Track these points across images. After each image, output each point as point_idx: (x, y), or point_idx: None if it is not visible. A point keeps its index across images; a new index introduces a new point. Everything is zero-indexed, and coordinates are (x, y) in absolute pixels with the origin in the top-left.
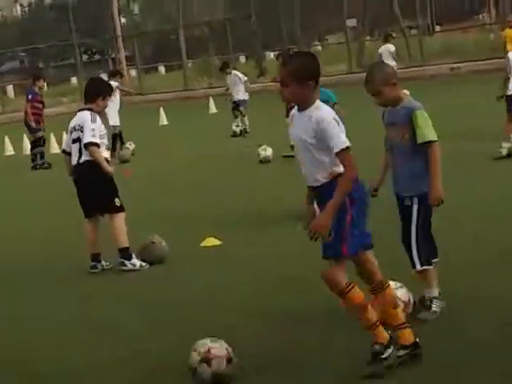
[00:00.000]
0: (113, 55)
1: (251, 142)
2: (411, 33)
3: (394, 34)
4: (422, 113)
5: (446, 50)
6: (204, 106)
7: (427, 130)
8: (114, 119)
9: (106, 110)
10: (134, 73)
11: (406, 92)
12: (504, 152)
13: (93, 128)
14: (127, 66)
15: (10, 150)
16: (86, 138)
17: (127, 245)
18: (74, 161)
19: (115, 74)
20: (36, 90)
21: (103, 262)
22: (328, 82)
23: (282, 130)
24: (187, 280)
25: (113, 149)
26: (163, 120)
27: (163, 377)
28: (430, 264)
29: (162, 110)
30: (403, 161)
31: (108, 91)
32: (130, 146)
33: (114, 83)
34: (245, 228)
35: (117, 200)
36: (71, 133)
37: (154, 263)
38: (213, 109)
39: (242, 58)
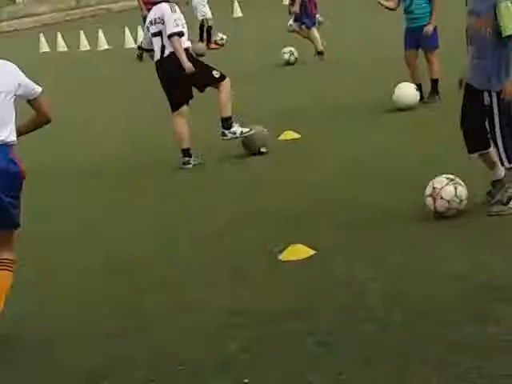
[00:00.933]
0: None
1: None
2: None
3: None
4: (507, 4)
5: None
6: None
7: None
8: (203, 11)
9: (194, 2)
10: None
11: None
12: None
13: (174, 18)
14: None
15: (85, 46)
16: (169, 29)
17: (229, 114)
18: (158, 55)
19: None
20: None
21: (194, 159)
22: None
23: None
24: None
25: (201, 39)
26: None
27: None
28: None
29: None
30: (485, 54)
31: None
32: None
33: None
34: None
35: (214, 72)
36: (148, 28)
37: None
38: (238, 12)
39: None
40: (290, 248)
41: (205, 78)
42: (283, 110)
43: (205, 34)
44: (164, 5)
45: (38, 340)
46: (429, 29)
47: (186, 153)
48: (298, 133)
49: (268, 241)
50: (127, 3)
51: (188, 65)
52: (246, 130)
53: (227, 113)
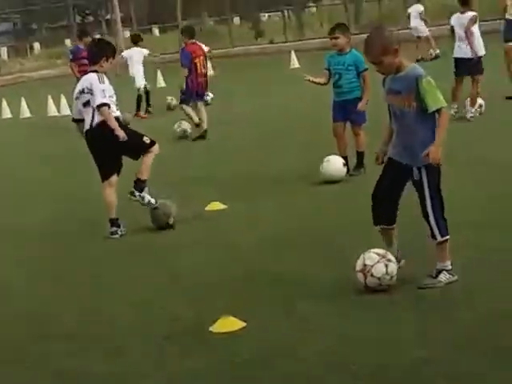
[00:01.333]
0: (106, 16)
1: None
2: None
3: None
4: (428, 79)
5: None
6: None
7: (436, 97)
8: (140, 80)
9: (134, 72)
10: (127, 34)
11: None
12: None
13: (103, 89)
14: (123, 27)
15: (7, 114)
16: (98, 100)
17: (146, 178)
18: (87, 124)
19: (137, 38)
20: (82, 46)
21: (122, 228)
22: (322, 44)
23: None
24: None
25: (138, 108)
26: (160, 82)
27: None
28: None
29: (158, 72)
30: (410, 130)
31: (111, 52)
32: (172, 100)
33: (144, 50)
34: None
35: (145, 138)
36: (78, 98)
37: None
38: (210, 71)
39: (237, 20)
40: (220, 320)
41: (136, 145)
42: (210, 179)
43: (143, 104)
44: (92, 75)
45: None
46: (362, 105)
47: (114, 223)
48: (225, 204)
49: (199, 311)
50: (48, 71)
51: (121, 133)
52: (153, 201)
53: (145, 175)
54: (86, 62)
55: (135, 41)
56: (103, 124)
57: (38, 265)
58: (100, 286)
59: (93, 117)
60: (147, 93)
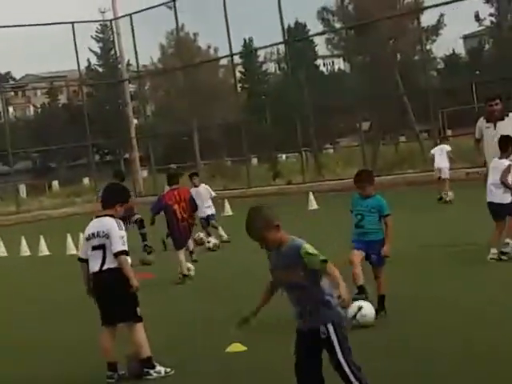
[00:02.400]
0: (125, 155)
1: None
2: (423, 137)
3: (404, 139)
4: (307, 247)
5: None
6: (219, 207)
7: (318, 259)
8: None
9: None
10: (145, 173)
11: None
12: None
13: (122, 235)
14: (141, 166)
15: (25, 251)
16: (118, 247)
17: (150, 354)
18: (96, 268)
19: (195, 174)
20: None
21: (120, 372)
22: (340, 185)
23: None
24: None
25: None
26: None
27: None
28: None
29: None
30: (307, 296)
31: (126, 197)
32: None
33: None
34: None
35: (138, 309)
36: (89, 239)
37: None
38: (228, 211)
39: (254, 161)
40: None
41: (131, 307)
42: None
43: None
44: (111, 220)
45: None
46: (387, 250)
47: (111, 367)
48: (245, 345)
49: None
50: (67, 209)
51: (135, 283)
52: (168, 369)
53: (145, 353)
54: None
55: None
56: (113, 270)
57: None
58: None
59: (103, 261)
60: None
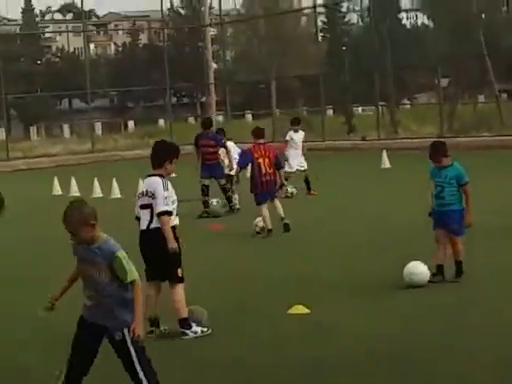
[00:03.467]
0: (202, 99)
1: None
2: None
3: (483, 99)
4: (123, 254)
5: None
6: None
7: (131, 270)
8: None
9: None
10: (220, 118)
11: None
12: None
13: (166, 196)
14: (217, 111)
15: (98, 193)
16: (160, 207)
17: (186, 315)
18: (144, 226)
19: (297, 121)
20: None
21: (161, 327)
22: (417, 144)
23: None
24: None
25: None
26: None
27: None
28: None
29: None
30: (107, 295)
31: (175, 154)
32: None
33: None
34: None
35: (179, 270)
36: (139, 198)
37: None
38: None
39: (330, 112)
40: None
41: (172, 267)
42: (294, 280)
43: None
44: (158, 180)
45: None
46: (470, 219)
47: (151, 322)
48: (308, 307)
49: None
50: (141, 152)
51: (173, 245)
52: (205, 329)
53: (182, 314)
54: (206, 150)
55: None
56: (159, 230)
57: None
58: None
59: (150, 220)
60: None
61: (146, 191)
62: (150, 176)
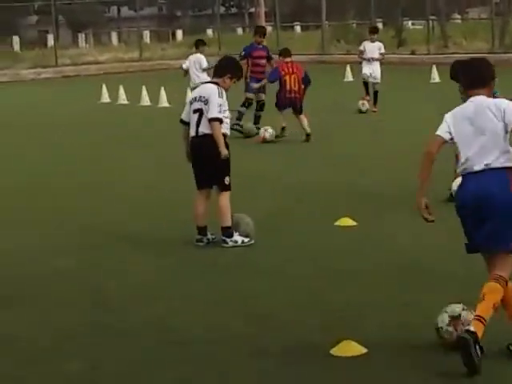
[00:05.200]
0: (250, 9)
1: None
2: None
3: None
4: None
5: None
6: (340, 73)
7: None
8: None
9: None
10: (269, 29)
11: None
12: None
13: (220, 103)
14: (266, 22)
15: (146, 101)
16: (213, 113)
17: (229, 224)
18: (193, 132)
19: (373, 31)
20: (257, 45)
21: (209, 236)
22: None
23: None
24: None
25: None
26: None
27: None
28: None
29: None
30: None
31: (237, 73)
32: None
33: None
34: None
35: (227, 178)
36: (192, 103)
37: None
38: (349, 77)
39: (380, 25)
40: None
41: (220, 174)
42: (342, 192)
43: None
44: (213, 86)
45: None
46: None
47: (199, 230)
48: (355, 220)
49: (318, 329)
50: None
51: (224, 151)
52: (246, 240)
53: (226, 222)
54: (258, 62)
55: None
56: (208, 136)
57: None
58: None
59: (198, 125)
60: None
61: (200, 96)
62: (205, 83)
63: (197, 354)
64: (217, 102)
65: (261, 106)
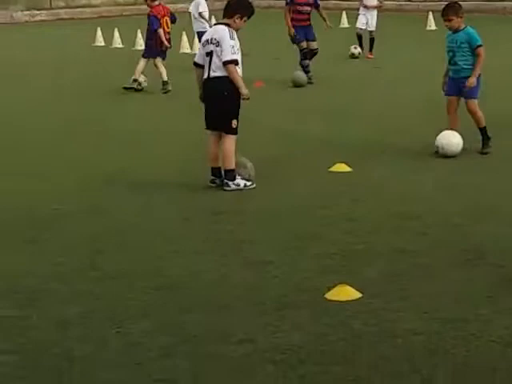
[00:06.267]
0: None
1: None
2: None
3: None
4: None
5: None
6: (335, 20)
7: None
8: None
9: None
10: None
11: None
12: None
13: (232, 45)
14: None
15: (140, 45)
16: (226, 56)
17: (233, 167)
18: (205, 75)
19: None
20: None
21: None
22: (464, 6)
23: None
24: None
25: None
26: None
27: None
28: None
29: None
30: None
31: (247, 12)
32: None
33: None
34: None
35: (234, 121)
36: (204, 45)
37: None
38: (345, 23)
39: None
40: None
41: (229, 115)
42: (335, 141)
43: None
44: (223, 28)
45: None
46: (471, 80)
47: (213, 171)
48: (350, 166)
49: (314, 274)
50: (186, 6)
51: (245, 90)
52: (248, 183)
53: (229, 165)
54: (303, 9)
55: None
56: (219, 79)
57: None
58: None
59: (209, 68)
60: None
61: (211, 38)
62: (216, 24)
63: (190, 298)
64: (229, 43)
65: (313, 55)
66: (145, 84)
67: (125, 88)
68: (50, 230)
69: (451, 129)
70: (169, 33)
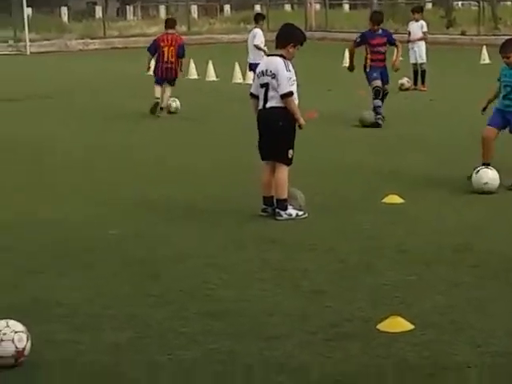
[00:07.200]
0: None
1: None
2: None
3: None
4: None
5: None
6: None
7: None
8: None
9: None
10: (317, 7)
11: None
12: None
13: (289, 77)
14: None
15: (194, 74)
16: (284, 88)
17: (285, 196)
18: (260, 105)
19: (416, 10)
20: (375, 31)
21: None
22: None
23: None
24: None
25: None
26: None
27: None
28: None
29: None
30: None
31: (299, 39)
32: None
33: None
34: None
35: (290, 151)
36: (259, 76)
37: None
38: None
39: (429, 5)
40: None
41: (285, 147)
42: (388, 171)
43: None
44: (279, 60)
45: None
46: None
47: (265, 200)
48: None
49: (366, 305)
50: (237, 36)
51: (302, 121)
52: (300, 213)
53: (281, 195)
54: (378, 49)
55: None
56: (275, 109)
57: None
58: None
59: (266, 99)
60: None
61: (266, 70)
62: (271, 55)
63: (241, 326)
64: (286, 76)
65: (384, 95)
66: (176, 104)
67: (158, 116)
68: (105, 254)
69: (487, 158)
70: (172, 62)
